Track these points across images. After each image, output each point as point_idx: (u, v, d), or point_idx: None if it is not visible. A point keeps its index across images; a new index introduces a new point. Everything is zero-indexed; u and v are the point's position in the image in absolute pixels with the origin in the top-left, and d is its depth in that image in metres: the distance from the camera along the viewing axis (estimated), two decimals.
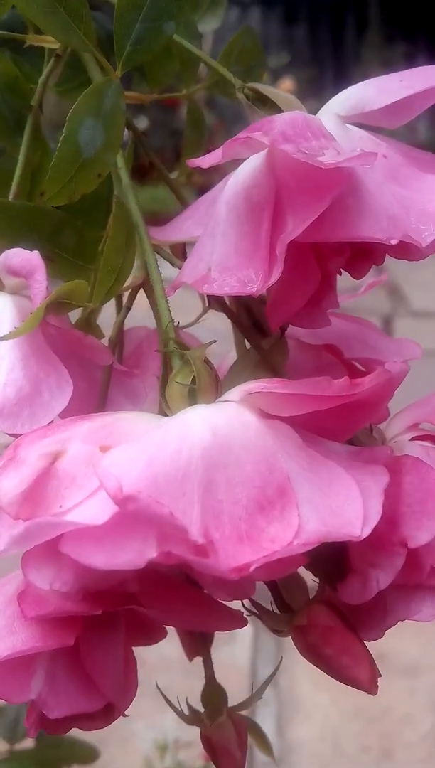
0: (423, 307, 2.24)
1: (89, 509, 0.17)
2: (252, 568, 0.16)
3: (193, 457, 0.17)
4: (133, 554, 0.16)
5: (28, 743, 0.56)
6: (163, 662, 1.06)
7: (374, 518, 0.18)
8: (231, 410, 0.18)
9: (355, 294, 0.31)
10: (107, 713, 0.21)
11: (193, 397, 0.20)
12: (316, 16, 4.60)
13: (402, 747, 0.98)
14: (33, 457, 0.18)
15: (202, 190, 0.27)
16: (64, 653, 0.20)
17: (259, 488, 0.17)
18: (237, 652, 1.08)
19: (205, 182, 0.28)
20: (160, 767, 0.86)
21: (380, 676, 0.21)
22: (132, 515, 0.16)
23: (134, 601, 0.19)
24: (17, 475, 0.18)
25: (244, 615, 0.23)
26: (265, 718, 1.01)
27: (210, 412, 0.18)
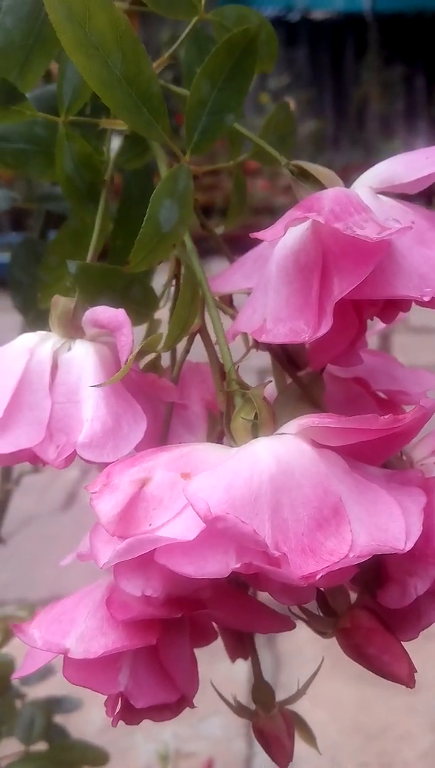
0: (421, 323, 2.24)
1: (177, 527, 0.19)
2: (318, 577, 0.18)
3: (262, 483, 0.19)
4: (219, 565, 0.18)
5: (41, 746, 0.57)
6: None
7: (415, 534, 0.20)
8: (290, 442, 0.21)
9: (378, 330, 0.33)
10: (179, 704, 0.24)
11: (255, 430, 0.22)
12: (316, 38, 4.60)
13: (400, 764, 0.95)
14: (125, 483, 0.21)
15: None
16: (145, 652, 0.22)
17: (316, 508, 0.20)
18: (236, 668, 1.07)
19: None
20: None
21: (416, 671, 0.23)
22: (217, 532, 0.18)
23: (206, 606, 0.22)
24: (112, 499, 0.20)
25: (293, 622, 0.25)
26: None
27: (273, 444, 0.21)
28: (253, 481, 0.19)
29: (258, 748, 0.98)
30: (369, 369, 0.32)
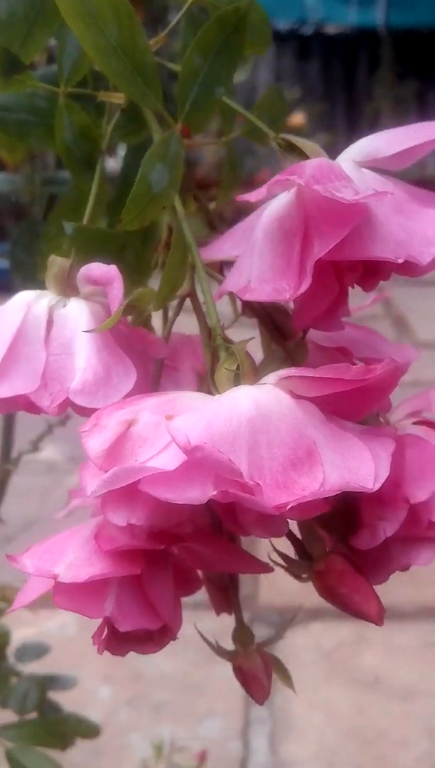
0: (429, 338, 2.22)
1: (160, 460, 0.21)
2: (289, 507, 0.20)
3: (241, 423, 0.21)
4: (197, 492, 0.20)
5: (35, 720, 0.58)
6: (162, 679, 1.07)
7: (383, 476, 0.21)
8: (269, 390, 0.22)
9: (363, 306, 0.35)
10: (162, 635, 0.25)
11: (237, 380, 0.24)
12: (329, 52, 4.60)
13: None
14: (113, 423, 0.22)
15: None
16: (130, 582, 0.24)
17: (291, 449, 0.21)
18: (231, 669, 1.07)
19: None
20: None
21: (385, 612, 0.25)
22: (196, 464, 0.20)
23: (186, 540, 0.23)
24: (101, 437, 0.22)
25: (271, 566, 0.27)
26: (259, 735, 0.99)
27: (253, 391, 0.22)
28: (232, 422, 0.21)
29: (254, 749, 1.00)
30: (353, 340, 0.33)
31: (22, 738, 0.51)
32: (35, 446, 0.61)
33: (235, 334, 0.30)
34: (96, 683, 1.06)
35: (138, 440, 0.22)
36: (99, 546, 0.23)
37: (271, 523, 0.21)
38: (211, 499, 0.20)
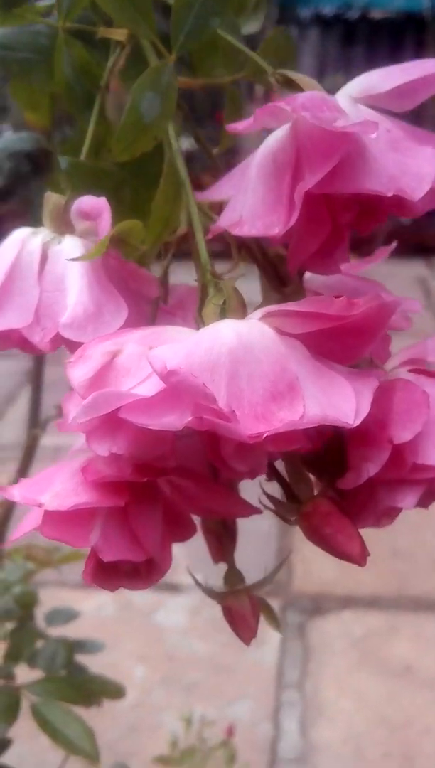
0: None
1: (142, 388, 0.21)
2: (264, 436, 0.20)
3: (222, 354, 0.21)
4: (174, 417, 0.20)
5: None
6: (195, 660, 1.09)
7: (364, 411, 0.21)
8: (254, 324, 0.22)
9: (364, 262, 0.34)
10: (149, 570, 0.25)
11: (223, 315, 0.23)
12: (374, 37, 4.49)
13: (423, 756, 0.97)
14: (97, 354, 0.22)
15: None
16: (116, 515, 0.24)
17: (272, 382, 0.21)
18: (265, 655, 1.09)
19: None
20: (185, 742, 0.88)
21: (369, 554, 0.25)
22: (173, 389, 0.20)
23: (171, 474, 0.23)
24: (85, 367, 0.22)
25: (260, 508, 0.27)
26: (289, 719, 1.01)
27: (237, 324, 0.22)
28: (212, 351, 0.21)
29: (284, 731, 1.02)
30: (354, 290, 0.33)
31: (47, 693, 0.52)
32: (60, 411, 0.62)
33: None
34: (131, 663, 1.08)
35: (121, 370, 0.22)
36: (85, 477, 0.23)
37: (249, 455, 0.21)
38: (199, 436, 0.20)
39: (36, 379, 0.65)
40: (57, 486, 0.23)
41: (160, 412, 0.20)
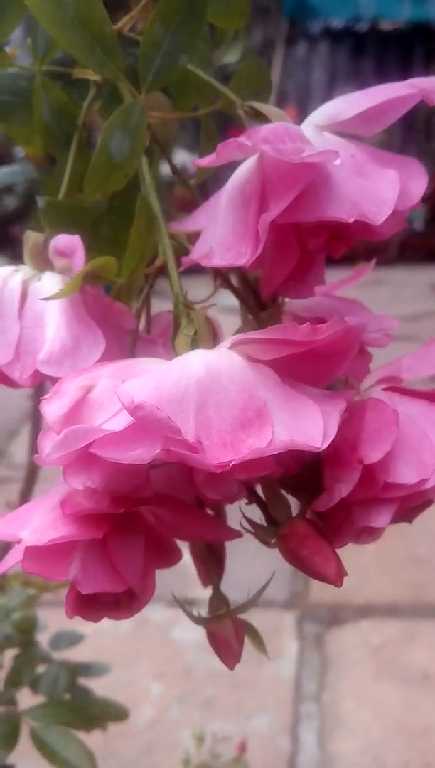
0: None
1: (111, 423, 0.21)
2: (231, 464, 0.20)
3: (190, 385, 0.21)
4: (142, 450, 0.20)
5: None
6: (212, 675, 1.08)
7: (331, 434, 0.21)
8: (223, 353, 0.23)
9: (345, 281, 0.34)
10: (130, 600, 0.25)
11: (195, 345, 0.24)
12: (384, 49, 4.53)
13: None
14: (71, 389, 0.23)
15: None
16: (95, 547, 0.24)
17: (241, 410, 0.21)
18: (283, 667, 1.07)
19: None
20: (198, 758, 0.88)
21: (346, 574, 0.25)
22: (141, 423, 0.20)
23: (147, 504, 0.24)
24: (60, 402, 0.22)
25: (241, 532, 0.27)
26: (308, 731, 1.00)
27: (205, 353, 0.22)
28: (180, 383, 0.21)
29: (303, 744, 1.00)
30: (332, 310, 0.33)
31: (46, 718, 0.52)
32: None
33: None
34: (148, 680, 1.08)
35: (94, 405, 0.22)
36: (63, 511, 0.23)
37: (220, 483, 0.22)
38: (178, 466, 0.20)
39: (36, 404, 0.66)
40: (36, 520, 0.24)
41: (129, 446, 0.20)
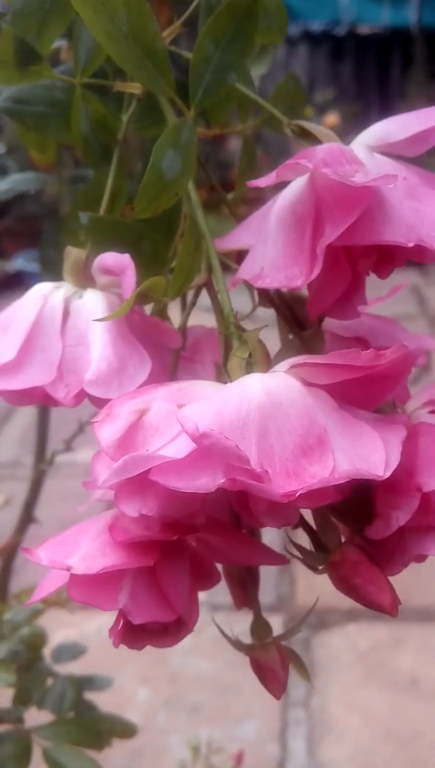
0: None
1: (171, 449, 0.20)
2: (297, 494, 0.19)
3: (251, 410, 0.21)
4: (206, 479, 0.19)
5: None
6: (199, 680, 1.07)
7: (394, 463, 0.21)
8: (280, 377, 0.22)
9: (380, 297, 0.34)
10: (178, 627, 0.25)
11: (249, 368, 0.23)
12: (362, 53, 4.56)
13: None
14: (125, 412, 0.22)
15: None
16: (145, 574, 0.23)
17: (302, 437, 0.21)
18: None
19: (247, 213, 0.31)
20: None
21: (401, 603, 0.24)
22: (205, 451, 0.19)
23: (200, 531, 0.23)
24: (113, 427, 0.22)
25: (287, 557, 0.26)
26: (296, 737, 0.99)
27: (264, 378, 0.22)
28: (241, 408, 0.21)
29: (291, 751, 0.99)
30: (371, 330, 0.33)
31: (58, 737, 0.51)
32: (68, 446, 0.62)
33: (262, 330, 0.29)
34: (134, 685, 1.07)
35: (149, 429, 0.22)
36: (113, 537, 0.23)
37: (281, 511, 0.21)
38: (225, 489, 0.20)
39: (42, 412, 0.65)
40: (84, 547, 0.23)
41: (193, 475, 0.19)
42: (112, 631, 0.24)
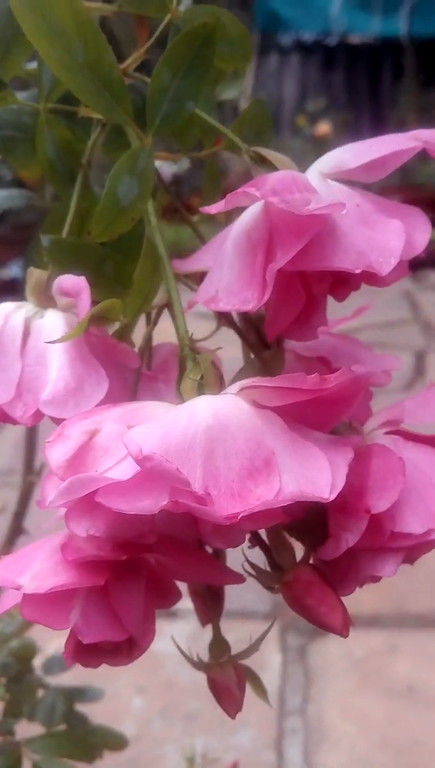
0: None
1: (117, 471, 0.21)
2: (240, 516, 0.19)
3: (197, 433, 0.21)
4: (149, 502, 0.19)
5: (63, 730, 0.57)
6: (194, 688, 1.06)
7: (339, 485, 0.21)
8: (229, 399, 0.22)
9: (344, 318, 0.35)
10: (130, 648, 0.25)
11: (201, 390, 0.24)
12: (353, 62, 4.61)
13: None
14: (76, 433, 0.22)
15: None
16: (96, 594, 0.23)
17: (249, 459, 0.21)
18: (266, 680, 1.05)
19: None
20: None
21: (353, 624, 0.24)
22: (149, 473, 0.20)
23: (151, 551, 0.23)
24: (63, 447, 0.22)
25: (244, 576, 0.26)
26: (292, 745, 0.98)
27: (213, 400, 0.22)
28: (188, 431, 0.21)
29: (287, 759, 0.98)
30: (333, 349, 0.33)
31: (48, 750, 0.50)
32: None
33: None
34: (129, 693, 1.05)
35: (99, 450, 0.22)
36: (64, 556, 0.23)
37: (227, 533, 0.21)
38: (168, 510, 0.20)
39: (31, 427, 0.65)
40: (36, 566, 0.23)
41: (136, 497, 0.20)
42: (65, 649, 0.24)
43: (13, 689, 0.57)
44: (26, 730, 0.53)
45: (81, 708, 0.58)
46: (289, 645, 1.11)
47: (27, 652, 0.60)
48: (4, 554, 0.65)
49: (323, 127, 3.65)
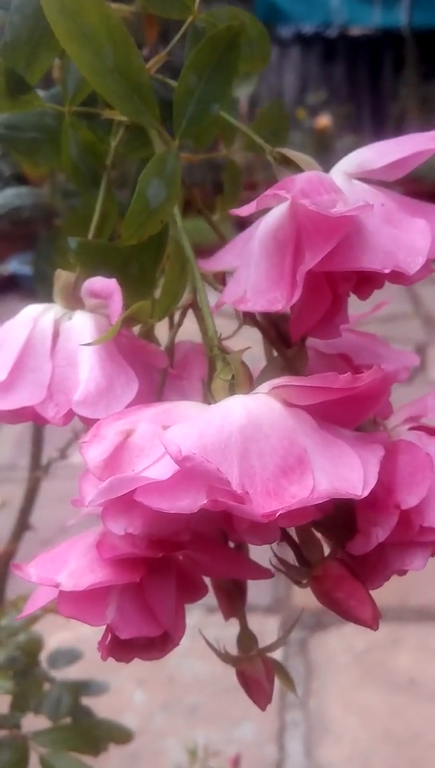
0: None
1: (155, 470, 0.21)
2: (277, 514, 0.20)
3: (232, 432, 0.21)
4: (189, 501, 0.20)
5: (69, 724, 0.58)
6: (196, 682, 1.07)
7: (372, 482, 0.21)
8: (261, 399, 0.23)
9: (364, 314, 0.35)
10: (164, 642, 0.25)
11: (232, 389, 0.24)
12: (354, 54, 4.57)
13: None
14: (111, 433, 0.22)
15: (240, 223, 0.31)
16: (131, 590, 0.24)
17: (282, 457, 0.21)
18: None
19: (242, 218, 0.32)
20: None
21: (381, 617, 0.25)
22: (188, 473, 0.20)
23: (184, 548, 0.23)
24: (100, 447, 0.22)
25: (272, 571, 0.27)
26: (294, 739, 0.99)
27: (245, 400, 0.22)
28: (223, 431, 0.21)
29: (289, 752, 0.99)
30: (354, 346, 0.33)
31: (55, 743, 0.51)
32: (63, 454, 0.62)
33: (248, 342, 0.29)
34: (131, 688, 1.06)
35: (135, 450, 0.22)
36: (100, 554, 0.23)
37: (263, 530, 0.22)
38: (206, 508, 0.20)
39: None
40: (72, 564, 0.23)
41: (175, 496, 0.20)
42: (101, 645, 0.25)
43: (20, 683, 0.58)
44: (33, 723, 0.54)
45: (84, 702, 0.59)
46: (290, 638, 1.12)
47: (34, 646, 0.60)
48: (10, 551, 0.65)
49: (323, 120, 3.63)
